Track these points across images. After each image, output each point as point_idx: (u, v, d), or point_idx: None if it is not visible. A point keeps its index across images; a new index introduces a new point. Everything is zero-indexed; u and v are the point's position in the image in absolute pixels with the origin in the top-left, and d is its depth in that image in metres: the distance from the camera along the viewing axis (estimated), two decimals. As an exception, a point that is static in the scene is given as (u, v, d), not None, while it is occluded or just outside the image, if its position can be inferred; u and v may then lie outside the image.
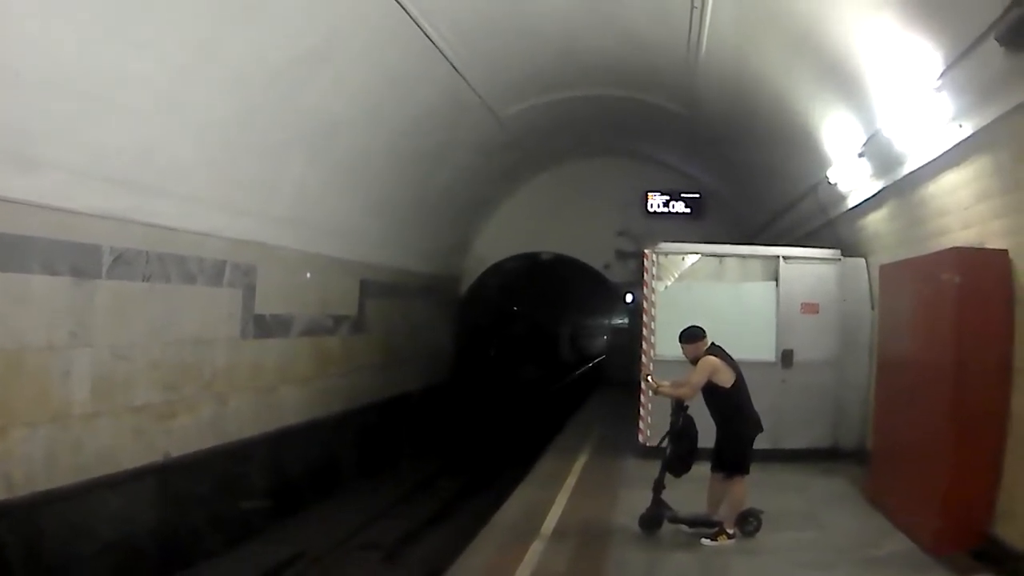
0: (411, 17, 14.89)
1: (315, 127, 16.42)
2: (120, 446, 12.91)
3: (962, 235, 11.55)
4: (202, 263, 14.76)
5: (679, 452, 11.79)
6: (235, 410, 15.94)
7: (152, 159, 12.86)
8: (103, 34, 10.83)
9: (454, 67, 17.77)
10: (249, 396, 16.47)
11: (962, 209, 11.60)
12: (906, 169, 12.96)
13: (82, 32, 10.58)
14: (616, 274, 31.99)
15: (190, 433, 14.58)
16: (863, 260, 17.13)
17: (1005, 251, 10.38)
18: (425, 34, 15.71)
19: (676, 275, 17.75)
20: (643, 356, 17.27)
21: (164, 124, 12.80)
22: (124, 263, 12.79)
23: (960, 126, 10.61)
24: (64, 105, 10.95)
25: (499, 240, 31.73)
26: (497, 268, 32.41)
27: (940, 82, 10.39)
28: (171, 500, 13.96)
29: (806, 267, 17.39)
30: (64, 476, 11.75)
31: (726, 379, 11.50)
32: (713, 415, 11.76)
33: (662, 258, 17.77)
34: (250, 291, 16.35)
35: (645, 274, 17.68)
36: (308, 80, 15.11)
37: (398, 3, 14.27)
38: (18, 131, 10.52)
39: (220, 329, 15.51)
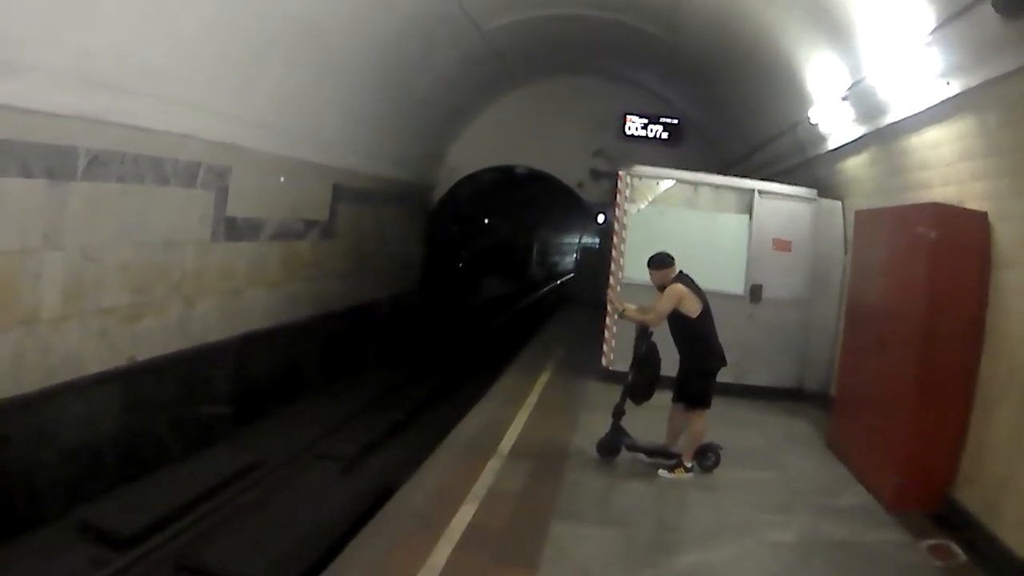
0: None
1: (294, 29, 16.16)
2: (87, 350, 12.87)
3: (941, 191, 11.61)
4: (176, 164, 14.60)
5: (641, 379, 11.85)
6: (202, 313, 15.89)
7: (128, 60, 12.60)
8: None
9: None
10: (217, 299, 16.41)
11: (943, 165, 11.63)
12: (890, 118, 12.95)
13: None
14: (590, 193, 31.90)
15: (156, 336, 14.53)
16: (839, 203, 17.15)
17: (985, 213, 10.42)
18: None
19: (649, 199, 17.79)
20: (611, 278, 17.37)
21: (142, 24, 12.49)
22: (99, 164, 12.64)
23: (948, 83, 10.57)
24: (40, 6, 10.72)
25: (474, 151, 31.52)
26: (471, 179, 32.24)
27: (931, 37, 10.32)
28: (135, 404, 13.96)
29: (781, 203, 17.43)
30: (31, 381, 11.74)
31: (692, 309, 11.54)
32: (677, 345, 11.83)
33: (636, 181, 17.80)
34: (223, 193, 16.21)
35: (618, 195, 17.72)
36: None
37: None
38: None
39: (191, 231, 15.39)
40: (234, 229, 16.79)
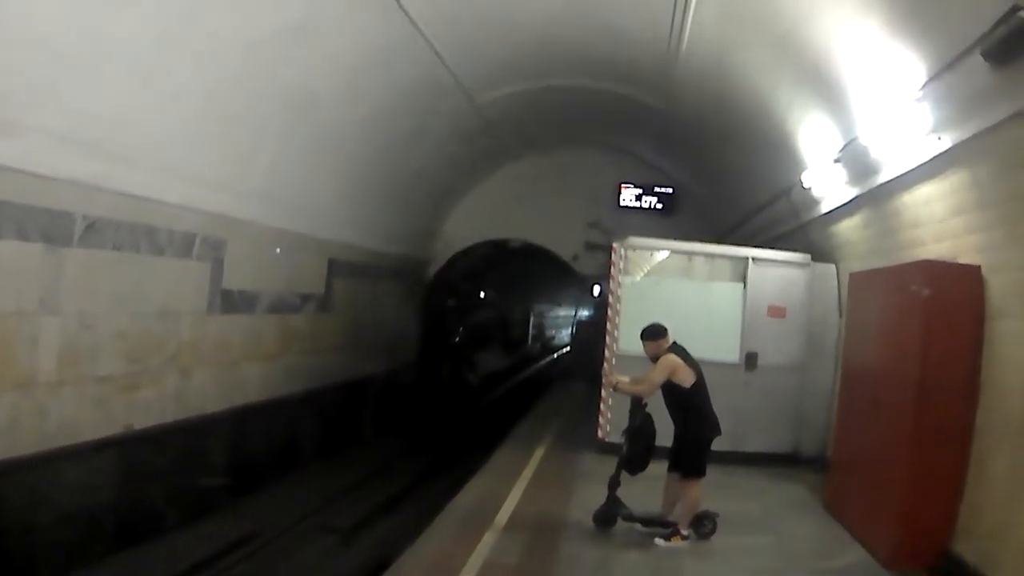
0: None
1: (291, 103, 16.30)
2: (83, 416, 12.84)
3: (935, 248, 11.50)
4: (172, 235, 14.67)
5: (636, 450, 11.70)
6: (199, 384, 15.83)
7: (128, 127, 12.76)
8: (85, 3, 10.74)
9: (433, 49, 17.64)
10: (213, 371, 16.34)
11: (936, 222, 11.53)
12: (882, 178, 12.87)
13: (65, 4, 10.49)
14: (585, 266, 31.72)
15: (152, 406, 14.48)
16: (834, 266, 17.01)
17: (978, 267, 10.34)
18: (406, 14, 15.58)
19: (644, 270, 17.65)
20: (606, 350, 17.15)
21: (141, 92, 12.67)
22: (96, 231, 12.71)
23: (939, 138, 10.51)
24: (42, 68, 10.86)
25: (469, 225, 31.43)
26: (466, 253, 32.15)
27: (922, 92, 10.29)
28: (131, 473, 13.89)
29: (775, 270, 17.29)
30: (27, 444, 11.72)
31: (686, 379, 11.39)
32: (672, 415, 11.68)
33: (630, 252, 17.66)
34: (218, 265, 16.24)
35: (612, 267, 17.57)
36: (285, 54, 14.96)
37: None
38: (-1, 95, 10.46)
39: (187, 302, 15.42)
40: (230, 302, 16.78)
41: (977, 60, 8.87)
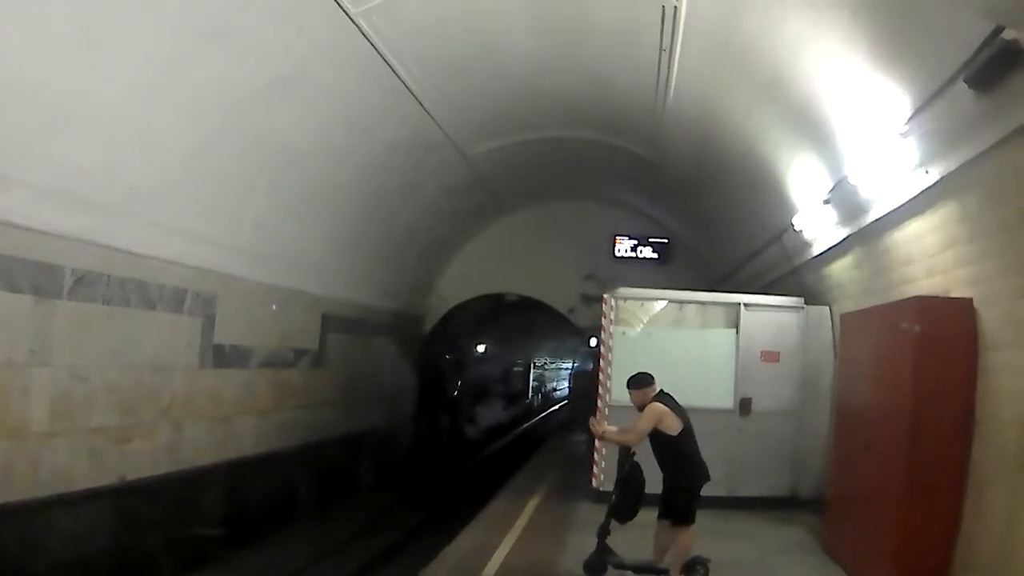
0: (379, 53, 14.81)
1: (279, 158, 16.28)
2: (77, 467, 12.84)
3: (927, 283, 11.41)
4: (162, 290, 14.69)
5: (625, 498, 11.55)
6: (191, 438, 15.79)
7: (116, 181, 12.83)
8: (71, 52, 10.89)
9: (421, 105, 17.66)
10: (206, 425, 16.30)
11: (927, 257, 11.44)
12: (871, 216, 12.82)
13: (49, 49, 10.62)
14: (582, 318, 31.46)
15: (145, 458, 14.45)
16: (827, 308, 16.95)
17: (969, 299, 10.22)
18: (393, 70, 15.61)
19: (635, 320, 17.58)
20: (599, 401, 17.00)
21: (128, 146, 12.73)
22: (85, 285, 12.77)
23: (926, 172, 10.46)
24: (29, 123, 10.92)
25: (464, 280, 31.36)
26: (461, 308, 32.04)
27: (907, 127, 10.26)
28: (125, 523, 13.85)
29: (767, 315, 17.19)
30: (20, 493, 11.71)
31: (672, 426, 11.22)
32: (660, 463, 11.49)
33: (621, 303, 17.63)
34: (210, 321, 16.23)
35: (603, 319, 17.47)
36: (273, 110, 15.01)
37: (366, 38, 14.18)
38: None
39: (179, 356, 15.39)
40: (222, 356, 16.75)
41: (961, 88, 8.83)
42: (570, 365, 63.31)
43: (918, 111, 9.95)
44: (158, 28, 11.67)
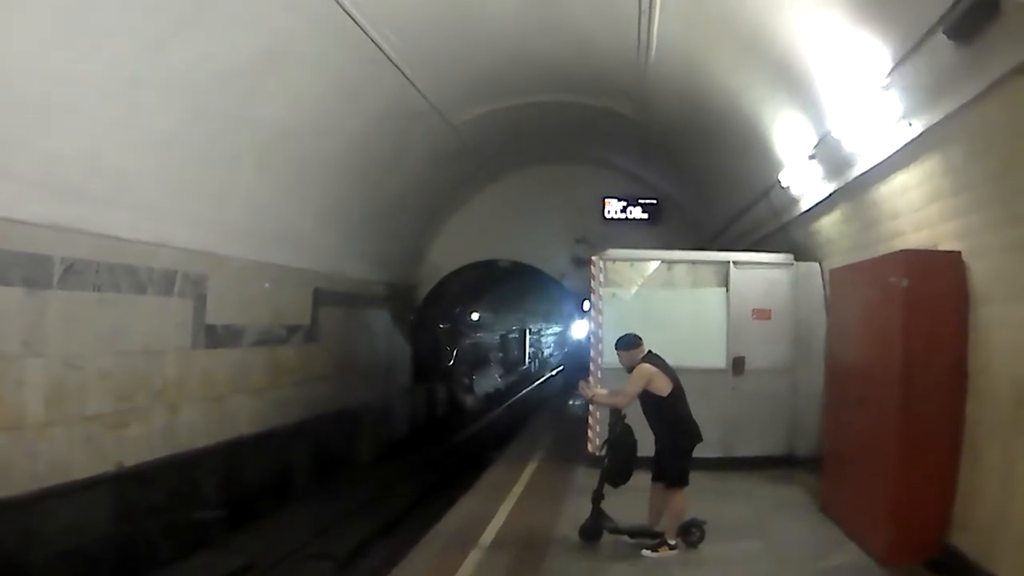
0: (358, 24, 14.73)
1: (264, 134, 16.23)
2: (73, 455, 12.86)
3: (914, 237, 11.36)
4: (152, 273, 14.66)
5: (617, 462, 11.56)
6: (187, 420, 15.78)
7: (101, 168, 12.81)
8: (50, 38, 10.86)
9: (403, 74, 17.56)
10: (201, 406, 16.30)
11: (914, 211, 11.39)
12: (857, 171, 12.74)
13: (29, 37, 10.59)
14: (574, 282, 31.55)
15: (142, 443, 14.45)
16: (817, 265, 16.84)
17: (958, 253, 10.17)
18: (373, 41, 15.52)
19: (624, 281, 17.45)
20: (591, 364, 16.95)
21: (113, 132, 12.73)
22: (75, 273, 12.76)
23: (910, 124, 10.38)
24: (12, 113, 10.92)
25: (455, 248, 31.33)
26: (454, 276, 32.01)
27: (888, 80, 10.20)
28: (124, 510, 13.84)
29: (757, 272, 17.08)
30: (19, 486, 11.75)
31: (662, 387, 11.22)
32: (651, 424, 11.50)
33: (609, 264, 17.48)
34: (201, 301, 16.22)
35: (592, 281, 17.36)
36: (256, 87, 14.98)
37: (344, 11, 14.07)
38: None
39: (171, 339, 15.41)
40: (215, 336, 16.74)
41: (941, 40, 8.75)
42: (566, 330, 63.16)
43: (899, 64, 9.89)
44: (137, 12, 11.63)
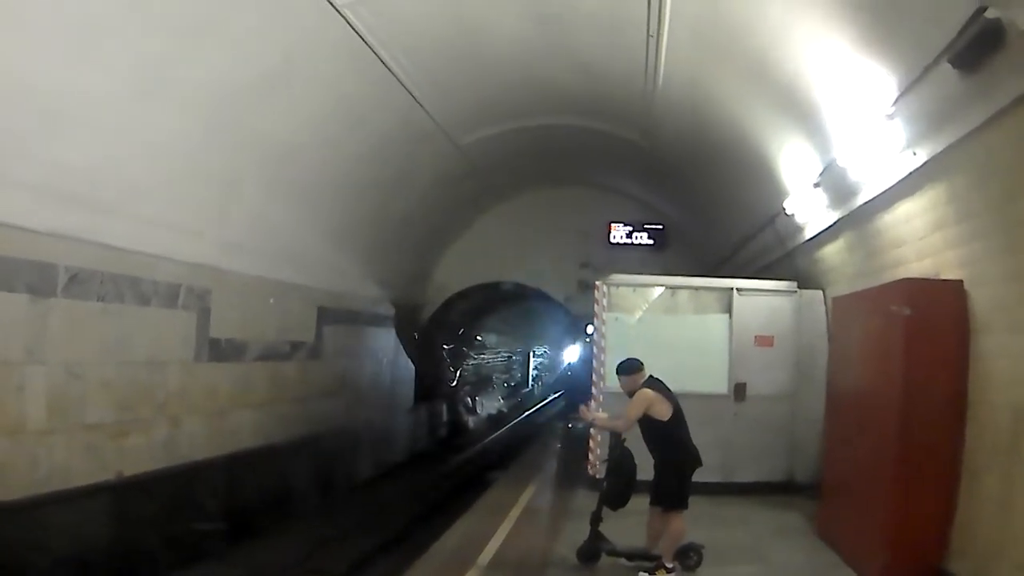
0: (367, 45, 14.84)
1: (269, 152, 16.30)
2: (73, 463, 12.88)
3: (917, 266, 11.37)
4: (156, 285, 14.71)
5: (616, 485, 11.57)
6: (188, 432, 15.77)
7: (107, 179, 12.88)
8: (60, 52, 10.98)
9: (411, 95, 17.67)
10: (203, 419, 16.29)
11: (917, 239, 11.40)
12: (861, 199, 12.78)
13: (40, 50, 10.71)
14: (578, 306, 31.45)
15: (143, 453, 14.45)
16: (820, 292, 16.86)
17: (960, 281, 10.17)
18: (382, 61, 15.62)
19: (628, 306, 17.47)
20: (593, 388, 16.96)
21: (119, 144, 12.80)
22: (79, 283, 12.80)
23: (914, 154, 10.43)
24: (21, 123, 11.01)
25: (460, 269, 31.33)
26: (459, 297, 32.01)
27: (893, 109, 10.22)
28: (123, 519, 13.83)
29: (761, 299, 17.13)
30: (19, 491, 11.75)
31: (663, 412, 11.25)
32: (650, 448, 11.52)
33: (613, 289, 17.56)
34: (205, 315, 16.24)
35: (596, 305, 17.43)
36: (262, 104, 15.05)
37: (353, 30, 14.20)
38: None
39: (174, 351, 15.42)
40: (218, 350, 16.74)
41: (946, 69, 8.79)
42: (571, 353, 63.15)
43: (904, 92, 9.91)
44: (146, 26, 11.74)
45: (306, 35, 14.06)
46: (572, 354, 59.11)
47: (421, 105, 18.36)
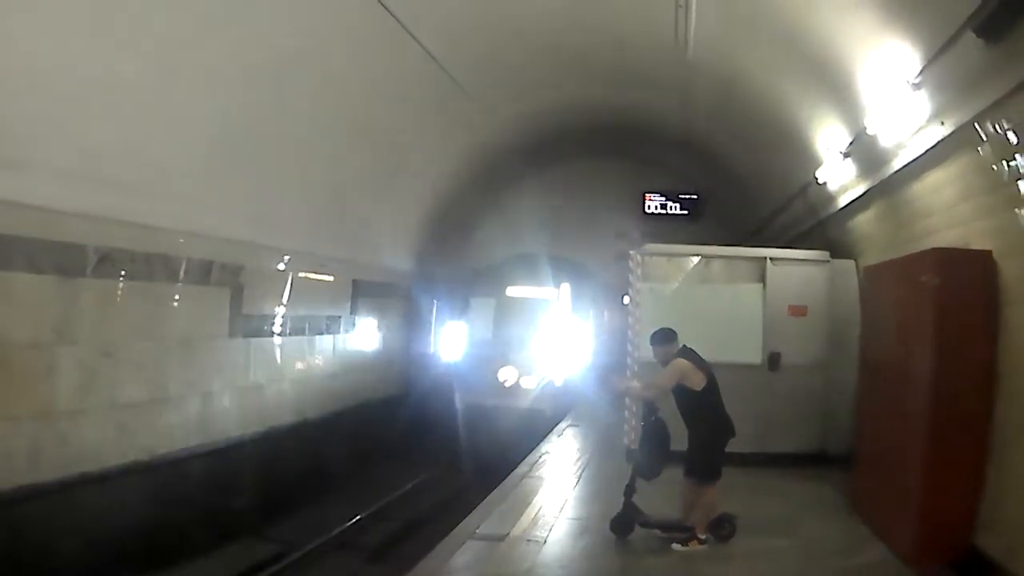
0: (399, 22, 14.82)
1: (299, 129, 16.30)
2: (105, 443, 13.00)
3: (947, 235, 11.27)
4: (189, 263, 14.80)
5: (649, 456, 11.54)
6: (221, 409, 15.91)
7: (136, 159, 12.93)
8: (86, 35, 11.02)
9: (445, 70, 17.64)
10: (236, 395, 16.41)
11: (946, 209, 11.34)
12: (891, 169, 12.72)
13: (66, 34, 10.72)
14: (615, 277, 31.47)
15: (175, 432, 14.60)
16: (852, 262, 16.79)
17: (989, 252, 10.10)
18: (414, 38, 15.60)
19: (662, 276, 17.44)
20: (628, 358, 16.95)
21: (147, 124, 12.85)
22: (109, 263, 12.88)
23: (941, 123, 10.37)
24: (50, 105, 11.05)
25: (497, 241, 31.23)
26: (496, 269, 31.82)
27: (919, 79, 10.17)
28: (156, 498, 13.95)
29: (794, 269, 17.01)
30: (49, 472, 11.90)
31: (696, 382, 11.20)
32: (684, 418, 11.49)
33: (647, 259, 17.44)
34: (238, 291, 16.35)
35: (630, 275, 17.37)
36: (291, 81, 15.07)
37: (385, 8, 14.13)
38: (3, 131, 10.62)
39: (206, 328, 15.53)
40: (251, 326, 16.82)
41: (970, 39, 8.73)
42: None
43: (929, 62, 9.86)
44: (171, 5, 11.75)
45: (334, 13, 14.10)
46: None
47: (455, 80, 18.43)
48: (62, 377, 12.17)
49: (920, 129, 10.97)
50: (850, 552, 11.27)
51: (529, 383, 24.62)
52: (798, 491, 14.69)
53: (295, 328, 18.56)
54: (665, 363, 11.47)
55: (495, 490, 14.89)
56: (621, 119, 24.33)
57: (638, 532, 11.70)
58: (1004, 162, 9.53)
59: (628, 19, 16.08)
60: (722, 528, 11.53)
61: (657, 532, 11.69)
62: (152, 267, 13.80)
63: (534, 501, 13.78)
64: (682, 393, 11.30)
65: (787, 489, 14.77)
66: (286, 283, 18.17)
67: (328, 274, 20.09)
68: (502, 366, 24.52)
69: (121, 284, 13.19)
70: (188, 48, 12.59)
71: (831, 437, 16.65)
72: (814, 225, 18.78)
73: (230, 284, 16.01)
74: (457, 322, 27.94)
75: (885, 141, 12.40)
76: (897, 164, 12.40)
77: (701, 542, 11.29)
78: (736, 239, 23.59)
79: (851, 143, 13.73)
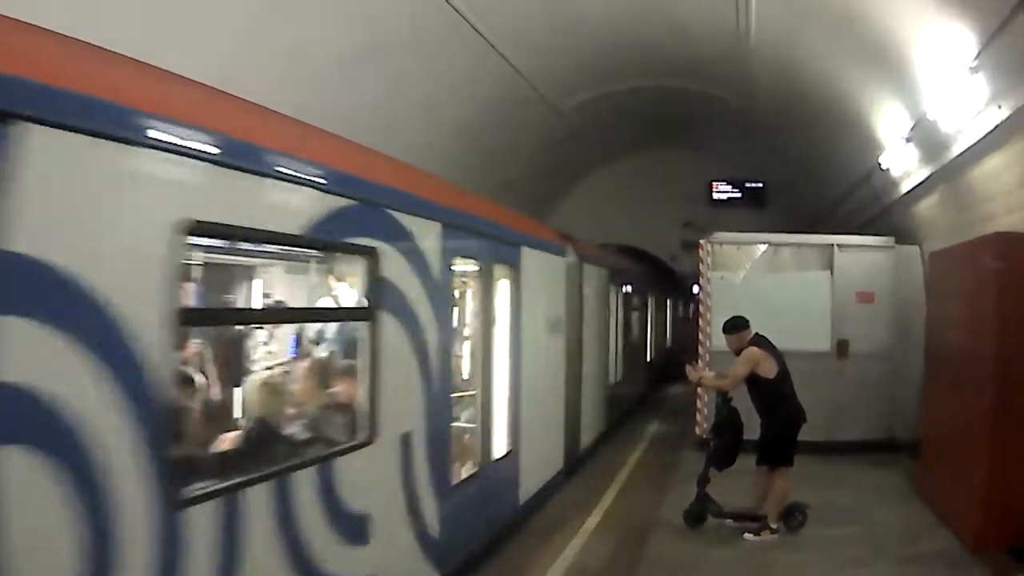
0: (462, 15, 14.84)
1: (368, 126, 16.36)
2: None
3: (1006, 220, 11.31)
4: None
5: (722, 445, 11.62)
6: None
7: None
8: (147, 33, 10.96)
9: (509, 63, 17.65)
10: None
11: (1006, 193, 11.34)
12: (952, 153, 12.69)
13: (128, 29, 10.71)
14: (683, 265, 31.48)
15: None
16: (917, 248, 16.78)
17: (1051, 236, 10.04)
18: (477, 31, 15.63)
19: (732, 265, 17.52)
20: (699, 347, 17.06)
21: None
22: None
23: (999, 107, 10.33)
24: None
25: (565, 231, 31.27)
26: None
27: (976, 62, 10.14)
28: None
29: (860, 255, 17.05)
30: None
31: (769, 370, 11.24)
32: (757, 407, 11.53)
33: (716, 247, 17.56)
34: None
35: (700, 264, 17.50)
36: (358, 78, 15.07)
37: (448, 2, 14.22)
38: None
39: None
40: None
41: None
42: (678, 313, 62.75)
43: (985, 45, 9.85)
44: (234, 2, 11.87)
45: (399, 8, 14.18)
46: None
47: (520, 72, 18.35)
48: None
49: (979, 113, 10.92)
50: (917, 540, 11.32)
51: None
52: (866, 478, 14.71)
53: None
54: (738, 351, 11.53)
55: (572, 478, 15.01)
56: (686, 108, 24.30)
57: (711, 522, 11.77)
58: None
59: (690, 8, 16.07)
60: (793, 517, 11.54)
61: (730, 522, 11.74)
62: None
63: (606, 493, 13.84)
64: (755, 381, 11.35)
65: (855, 477, 14.79)
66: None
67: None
68: None
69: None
70: (255, 43, 12.45)
71: (898, 424, 16.67)
72: (879, 212, 18.75)
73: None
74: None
75: (945, 126, 12.37)
76: (957, 149, 12.37)
77: (773, 531, 11.31)
78: (802, 227, 23.52)
79: (912, 128, 13.72)
